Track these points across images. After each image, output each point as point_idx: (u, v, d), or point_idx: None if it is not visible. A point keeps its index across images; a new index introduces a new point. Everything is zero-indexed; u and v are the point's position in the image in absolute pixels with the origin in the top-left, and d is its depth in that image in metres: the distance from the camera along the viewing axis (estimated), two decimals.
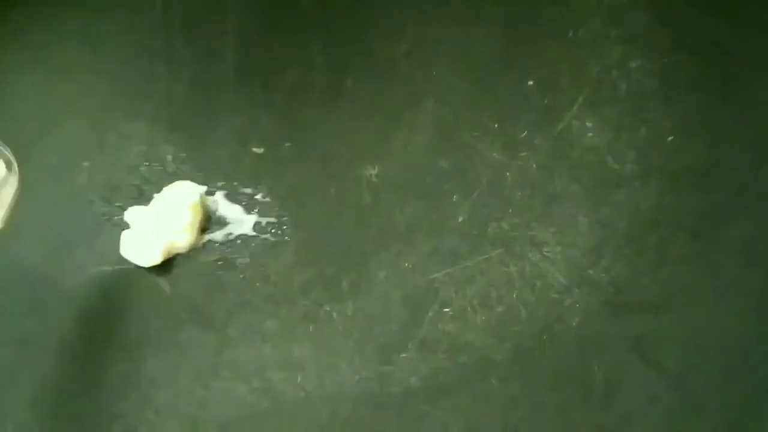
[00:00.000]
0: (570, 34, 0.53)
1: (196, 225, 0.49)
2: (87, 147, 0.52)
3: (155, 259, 0.49)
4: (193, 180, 0.51)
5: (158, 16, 0.54)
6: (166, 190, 0.50)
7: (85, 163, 0.52)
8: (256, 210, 0.51)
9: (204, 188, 0.50)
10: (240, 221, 0.50)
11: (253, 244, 0.50)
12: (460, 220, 0.51)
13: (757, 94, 0.51)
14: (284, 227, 0.50)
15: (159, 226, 0.49)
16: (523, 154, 0.52)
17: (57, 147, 0.52)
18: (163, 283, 0.50)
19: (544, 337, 0.49)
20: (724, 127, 0.51)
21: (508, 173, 0.51)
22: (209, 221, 0.50)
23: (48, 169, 0.51)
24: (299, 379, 0.49)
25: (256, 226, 0.50)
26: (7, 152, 0.43)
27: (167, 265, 0.50)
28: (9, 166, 0.44)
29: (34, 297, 0.50)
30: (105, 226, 0.50)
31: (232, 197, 0.51)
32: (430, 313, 0.50)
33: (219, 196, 0.51)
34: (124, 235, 0.49)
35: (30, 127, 0.53)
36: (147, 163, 0.52)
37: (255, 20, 0.53)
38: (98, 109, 0.53)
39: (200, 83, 0.53)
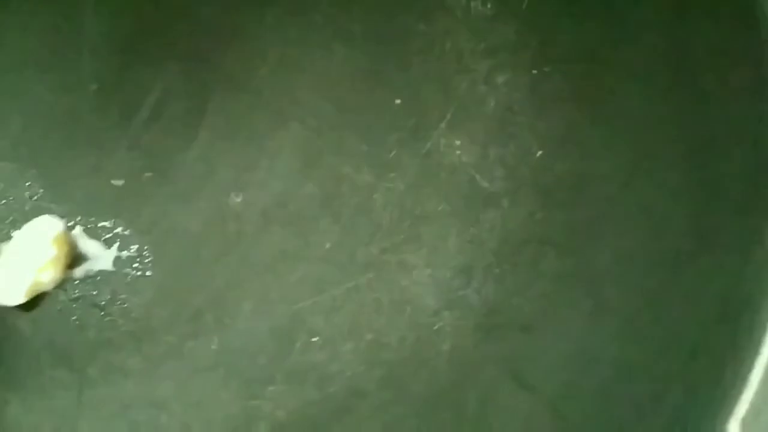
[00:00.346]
0: (436, 50, 0.52)
1: (62, 260, 0.48)
2: None
3: (19, 298, 0.48)
4: (52, 215, 0.49)
5: (10, 51, 0.53)
6: (26, 226, 0.49)
7: None
8: (116, 244, 0.50)
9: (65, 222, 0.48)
10: (100, 257, 0.50)
11: (113, 280, 0.50)
12: (327, 246, 0.51)
13: (626, 104, 0.50)
14: (145, 261, 0.50)
15: (21, 263, 0.47)
16: (392, 175, 0.51)
17: None
18: (23, 323, 0.50)
19: (415, 363, 0.49)
20: (593, 140, 0.50)
21: (376, 196, 0.51)
22: (75, 256, 0.48)
23: None
24: (163, 419, 0.49)
25: (117, 261, 0.50)
26: None
27: (27, 304, 0.49)
28: None
29: None
30: None
31: (92, 232, 0.50)
32: (297, 344, 0.50)
33: (78, 231, 0.49)
34: None
35: None
36: (3, 201, 0.51)
37: (112, 49, 0.52)
38: None
39: (56, 116, 0.52)
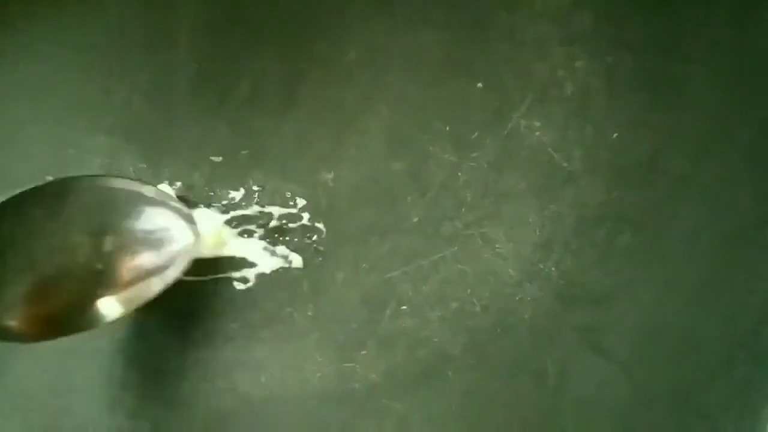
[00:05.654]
0: (516, 37, 0.55)
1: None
2: (50, 163, 0.55)
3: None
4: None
5: (113, 31, 0.56)
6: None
7: (49, 178, 0.53)
8: None
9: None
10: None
11: None
12: (414, 220, 0.54)
13: (695, 91, 0.54)
14: None
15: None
16: (474, 154, 0.55)
17: (20, 164, 0.55)
18: None
19: (498, 330, 0.53)
20: (665, 123, 0.54)
21: (460, 173, 0.55)
22: None
23: (11, 187, 0.51)
24: (263, 379, 0.53)
25: None
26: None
27: None
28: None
29: None
30: None
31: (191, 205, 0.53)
32: (387, 311, 0.54)
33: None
34: None
35: None
36: None
37: (209, 32, 0.56)
38: (58, 124, 0.56)
39: (157, 95, 0.55)
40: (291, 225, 0.55)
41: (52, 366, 0.53)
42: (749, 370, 0.51)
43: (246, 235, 0.54)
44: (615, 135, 0.54)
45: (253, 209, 0.55)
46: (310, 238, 0.55)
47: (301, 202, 0.55)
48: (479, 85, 0.56)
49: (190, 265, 0.51)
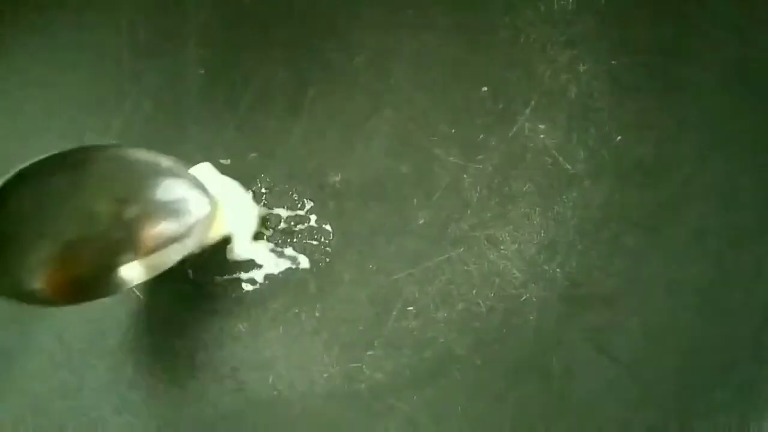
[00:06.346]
0: (521, 41, 0.56)
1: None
2: None
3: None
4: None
5: (124, 35, 0.57)
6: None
7: None
8: None
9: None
10: None
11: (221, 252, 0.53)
12: (420, 222, 0.55)
13: (697, 93, 0.54)
14: None
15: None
16: (480, 157, 0.55)
17: None
18: (138, 291, 0.54)
19: (504, 331, 0.53)
20: (669, 126, 0.54)
21: (465, 176, 0.55)
22: None
23: None
24: (270, 380, 0.53)
25: None
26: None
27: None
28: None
29: None
30: None
31: None
32: (394, 312, 0.54)
33: None
34: None
35: (3, 145, 0.57)
36: None
37: (218, 37, 0.56)
38: (70, 126, 0.56)
39: (166, 98, 0.56)
40: (299, 227, 0.55)
41: (62, 366, 0.53)
42: (753, 370, 0.51)
43: (254, 237, 0.54)
44: (618, 137, 0.55)
45: (262, 211, 0.54)
46: (317, 239, 0.55)
47: (308, 204, 0.55)
48: (484, 88, 0.56)
49: (207, 235, 0.52)
